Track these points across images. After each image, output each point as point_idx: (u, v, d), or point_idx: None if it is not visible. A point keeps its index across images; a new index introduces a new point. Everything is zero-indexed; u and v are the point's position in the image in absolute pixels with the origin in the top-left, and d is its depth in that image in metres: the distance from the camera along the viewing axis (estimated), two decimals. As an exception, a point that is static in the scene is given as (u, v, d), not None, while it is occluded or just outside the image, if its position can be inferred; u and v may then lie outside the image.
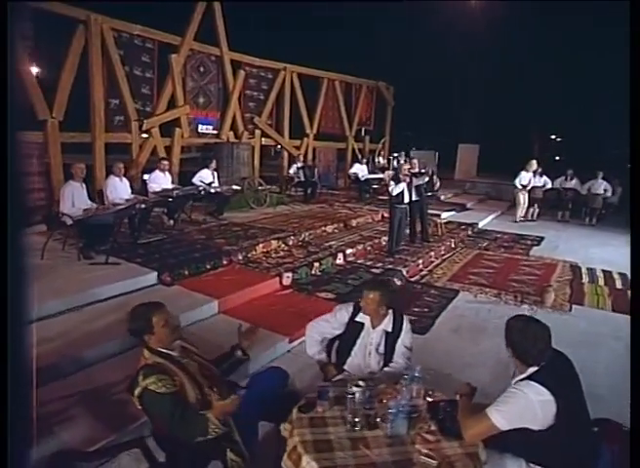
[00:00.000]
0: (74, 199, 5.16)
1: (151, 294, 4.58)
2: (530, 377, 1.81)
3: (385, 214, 9.42)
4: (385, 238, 7.26)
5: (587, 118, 19.05)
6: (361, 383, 2.05)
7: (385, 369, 2.47)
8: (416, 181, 7.16)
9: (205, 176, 7.94)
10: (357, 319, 2.51)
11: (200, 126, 9.80)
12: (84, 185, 5.39)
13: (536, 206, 10.77)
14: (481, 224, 10.20)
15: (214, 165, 8.06)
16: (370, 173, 12.14)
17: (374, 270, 6.13)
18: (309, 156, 12.77)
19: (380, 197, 11.16)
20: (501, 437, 1.83)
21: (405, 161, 13.56)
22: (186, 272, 5.07)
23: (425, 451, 1.70)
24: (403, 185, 6.78)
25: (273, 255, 6.19)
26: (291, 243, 6.77)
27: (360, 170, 11.81)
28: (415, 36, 17.14)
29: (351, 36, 17.35)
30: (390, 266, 6.31)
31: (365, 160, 12.16)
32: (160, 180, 7.09)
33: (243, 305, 4.64)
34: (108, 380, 3.13)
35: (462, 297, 5.51)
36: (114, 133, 7.93)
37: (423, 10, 16.44)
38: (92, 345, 3.47)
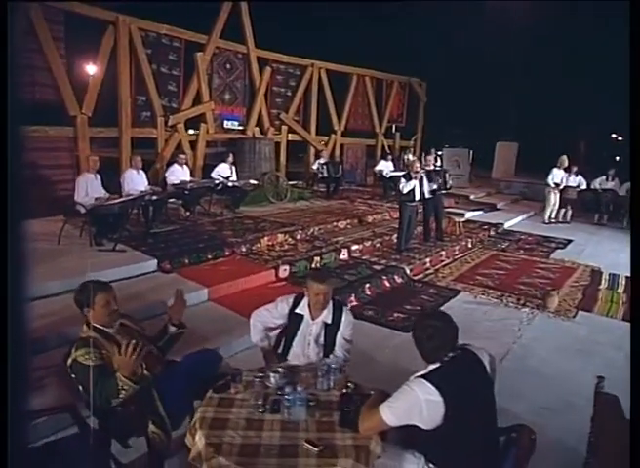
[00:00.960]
0: (88, 189, 5.52)
1: (148, 281, 4.85)
2: (425, 375, 1.78)
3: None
4: (397, 235, 7.19)
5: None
6: (280, 370, 2.11)
7: (325, 360, 2.51)
8: (428, 186, 7.03)
9: (223, 171, 8.19)
10: (297, 311, 2.56)
11: (226, 121, 10.09)
12: (97, 176, 5.75)
13: (568, 207, 10.21)
14: (507, 225, 9.83)
15: (231, 159, 8.29)
16: (396, 170, 11.98)
17: (375, 267, 6.10)
18: (337, 152, 12.81)
19: (405, 194, 11.00)
20: (405, 433, 1.82)
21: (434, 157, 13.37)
22: (187, 261, 5.29)
23: (309, 438, 1.74)
24: (414, 183, 6.68)
25: (277, 249, 6.31)
26: (298, 237, 6.86)
27: (385, 166, 11.67)
28: (453, 30, 16.66)
29: (386, 32, 17.11)
30: (394, 263, 6.25)
31: (391, 156, 12.00)
32: (178, 174, 7.40)
33: (234, 295, 4.79)
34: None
35: (462, 298, 5.38)
36: (141, 128, 8.35)
37: (463, 5, 15.94)
38: (76, 325, 3.73)
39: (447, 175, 7.46)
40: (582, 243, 8.60)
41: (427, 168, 7.52)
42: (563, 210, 10.26)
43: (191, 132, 9.74)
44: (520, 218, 10.75)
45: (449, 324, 1.87)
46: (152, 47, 8.25)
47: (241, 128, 10.35)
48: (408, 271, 6.08)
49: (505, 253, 7.52)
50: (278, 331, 2.74)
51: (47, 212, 6.40)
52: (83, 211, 5.46)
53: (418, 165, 6.68)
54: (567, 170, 10.04)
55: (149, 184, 6.84)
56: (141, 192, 6.23)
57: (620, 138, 24.06)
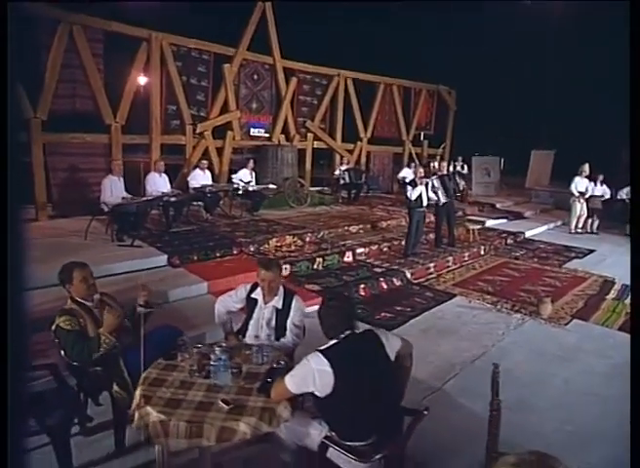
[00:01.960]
0: (112, 190, 6.10)
1: (157, 273, 5.31)
2: (322, 349, 2.02)
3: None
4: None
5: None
6: (223, 345, 2.41)
7: (275, 343, 2.78)
8: (442, 192, 7.16)
9: (243, 176, 8.66)
10: (252, 296, 2.86)
11: (252, 129, 10.60)
12: (121, 179, 6.33)
13: (595, 216, 9.88)
14: (528, 234, 9.65)
15: (252, 165, 8.75)
16: (419, 177, 12.04)
17: (376, 270, 6.28)
18: (363, 159, 13.04)
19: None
20: (314, 401, 2.06)
21: (462, 166, 13.30)
22: (195, 257, 5.73)
23: (224, 397, 2.03)
24: (420, 189, 6.82)
25: (284, 249, 6.64)
26: (307, 239, 7.16)
27: (408, 173, 11.74)
28: (488, 37, 16.49)
29: (417, 40, 17.21)
30: (396, 267, 6.41)
31: (413, 164, 12.08)
32: (199, 178, 7.93)
33: (232, 288, 5.14)
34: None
35: (456, 302, 5.46)
36: (170, 135, 9.00)
37: (499, 10, 15.77)
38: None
39: (457, 179, 7.54)
40: (606, 253, 8.33)
41: (441, 173, 7.65)
42: (590, 220, 9.93)
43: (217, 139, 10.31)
44: (545, 228, 10.50)
45: (347, 305, 2.10)
46: (182, 60, 8.90)
47: (267, 135, 10.84)
48: (408, 275, 6.22)
49: (517, 262, 7.45)
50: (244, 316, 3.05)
51: (82, 211, 7.10)
52: (106, 209, 6.04)
53: (422, 171, 6.82)
54: (591, 178, 9.74)
55: (173, 187, 7.41)
56: (162, 194, 6.77)
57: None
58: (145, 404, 2.00)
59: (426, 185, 6.89)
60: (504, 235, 9.09)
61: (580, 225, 9.93)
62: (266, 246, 6.59)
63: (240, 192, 8.50)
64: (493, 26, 15.79)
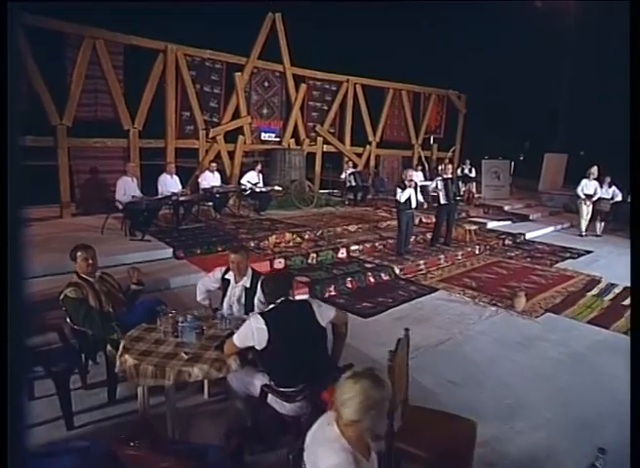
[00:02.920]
0: (125, 189, 6.73)
1: (162, 264, 5.88)
2: (261, 312, 2.49)
3: (424, 219, 9.78)
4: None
5: None
6: (195, 313, 2.91)
7: (244, 316, 3.25)
8: (443, 193, 7.58)
9: (251, 178, 9.21)
10: (226, 276, 3.34)
11: (263, 134, 11.18)
12: (134, 180, 6.96)
13: (599, 218, 9.95)
14: (529, 235, 9.82)
15: (259, 167, 9.30)
16: (426, 180, 12.34)
17: (367, 265, 6.68)
18: (371, 163, 13.44)
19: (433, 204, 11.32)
20: (255, 354, 2.53)
21: (469, 170, 13.53)
22: (198, 251, 6.29)
23: (186, 350, 2.52)
24: (409, 192, 7.18)
25: (282, 246, 7.12)
26: (306, 237, 7.62)
27: (416, 176, 12.08)
28: (498, 40, 16.64)
29: (428, 43, 17.49)
30: (386, 263, 6.79)
31: (420, 167, 12.40)
32: (209, 179, 8.53)
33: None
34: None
35: (437, 295, 5.80)
36: (185, 139, 9.65)
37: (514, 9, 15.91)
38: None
39: (460, 183, 7.91)
40: (603, 255, 8.47)
41: (445, 176, 8.01)
42: (596, 223, 10.00)
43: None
44: (550, 230, 10.63)
45: (284, 277, 2.58)
46: (196, 69, 9.55)
47: (277, 139, 11.39)
48: (397, 270, 6.59)
49: (509, 261, 7.70)
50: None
51: (102, 209, 7.78)
52: (120, 207, 6.67)
53: (411, 174, 7.20)
54: (599, 180, 9.83)
55: (186, 188, 8.02)
56: (172, 194, 7.38)
57: None
58: (124, 353, 2.52)
59: (415, 188, 7.24)
60: (503, 236, 9.31)
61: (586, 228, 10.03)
62: (266, 242, 7.08)
63: (247, 193, 9.06)
64: (503, 28, 15.94)
